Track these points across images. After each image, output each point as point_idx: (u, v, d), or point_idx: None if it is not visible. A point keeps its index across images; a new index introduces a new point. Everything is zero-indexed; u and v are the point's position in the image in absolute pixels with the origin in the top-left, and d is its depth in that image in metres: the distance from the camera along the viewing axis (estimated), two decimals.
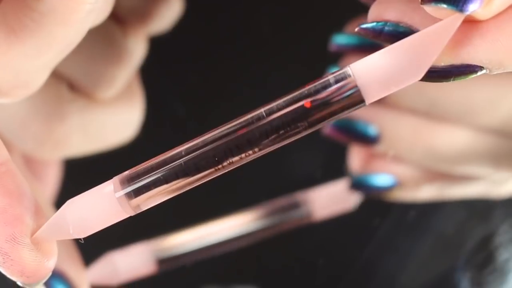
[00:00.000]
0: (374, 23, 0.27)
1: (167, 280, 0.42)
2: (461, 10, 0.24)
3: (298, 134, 0.26)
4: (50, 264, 0.27)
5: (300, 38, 0.44)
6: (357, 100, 0.25)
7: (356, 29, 0.28)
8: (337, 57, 0.36)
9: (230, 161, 0.26)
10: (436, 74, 0.26)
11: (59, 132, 0.34)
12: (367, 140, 0.36)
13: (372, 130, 0.36)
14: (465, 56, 0.25)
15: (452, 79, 0.26)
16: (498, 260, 0.46)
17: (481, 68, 0.26)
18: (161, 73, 0.43)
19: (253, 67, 0.44)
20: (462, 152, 0.35)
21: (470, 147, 0.35)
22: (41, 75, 0.28)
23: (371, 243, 0.44)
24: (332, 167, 0.40)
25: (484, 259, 0.46)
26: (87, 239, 0.34)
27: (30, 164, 0.37)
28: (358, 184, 0.38)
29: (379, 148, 0.36)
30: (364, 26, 0.27)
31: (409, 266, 0.46)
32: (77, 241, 0.36)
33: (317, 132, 0.36)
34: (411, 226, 0.42)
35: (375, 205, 0.42)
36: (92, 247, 0.37)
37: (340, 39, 0.35)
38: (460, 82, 0.26)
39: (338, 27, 0.37)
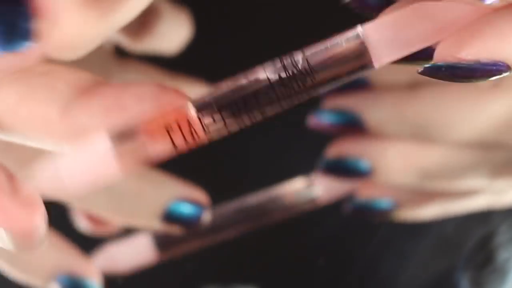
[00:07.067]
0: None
1: (167, 279, 0.42)
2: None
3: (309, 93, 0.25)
4: (38, 217, 0.24)
5: (301, 35, 0.44)
6: (366, 62, 0.24)
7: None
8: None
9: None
10: (459, 71, 0.23)
11: None
12: (360, 175, 0.36)
13: (363, 164, 0.36)
14: (492, 50, 0.23)
15: (474, 79, 0.23)
16: (497, 260, 0.46)
17: (508, 67, 0.23)
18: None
19: (253, 65, 0.44)
20: (453, 168, 0.36)
21: (458, 162, 0.35)
22: (96, 41, 0.26)
23: (371, 243, 0.44)
24: None
25: (483, 259, 0.46)
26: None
27: None
28: (359, 209, 0.38)
29: (374, 180, 0.37)
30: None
31: (409, 266, 0.46)
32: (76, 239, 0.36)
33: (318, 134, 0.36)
34: (411, 226, 0.42)
35: None
36: (91, 239, 0.37)
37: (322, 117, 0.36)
38: (432, 101, 0.25)
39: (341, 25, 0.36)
